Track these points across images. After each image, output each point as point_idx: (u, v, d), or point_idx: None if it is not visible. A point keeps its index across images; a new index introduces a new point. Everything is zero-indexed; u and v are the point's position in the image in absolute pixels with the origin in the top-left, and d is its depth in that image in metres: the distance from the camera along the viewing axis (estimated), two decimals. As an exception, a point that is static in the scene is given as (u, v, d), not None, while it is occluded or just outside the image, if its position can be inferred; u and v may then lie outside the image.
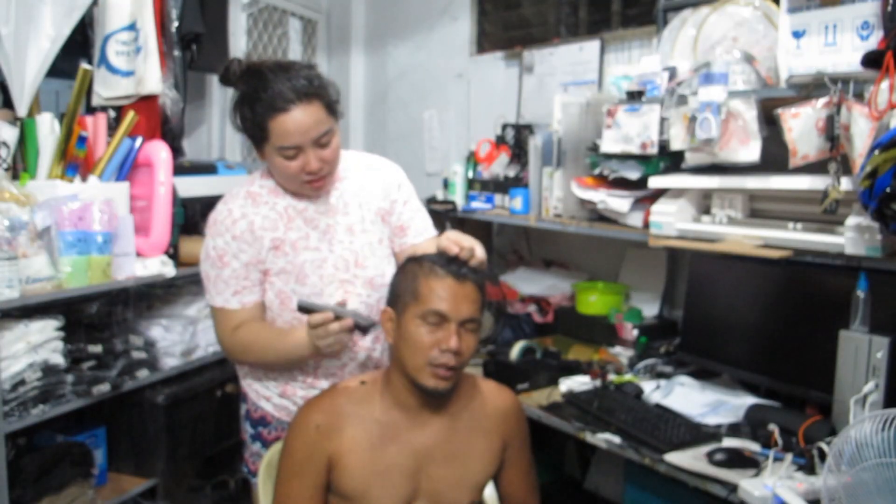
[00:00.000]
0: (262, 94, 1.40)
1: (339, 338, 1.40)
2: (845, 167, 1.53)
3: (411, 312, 1.32)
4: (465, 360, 1.34)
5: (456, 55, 3.24)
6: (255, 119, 1.43)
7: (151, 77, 2.38)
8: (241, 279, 1.51)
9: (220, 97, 3.13)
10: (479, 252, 1.38)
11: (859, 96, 1.50)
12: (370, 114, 3.74)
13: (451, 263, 1.34)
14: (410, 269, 1.37)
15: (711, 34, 1.93)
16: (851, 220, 1.53)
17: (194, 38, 2.64)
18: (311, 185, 1.49)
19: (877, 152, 1.33)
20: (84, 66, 2.10)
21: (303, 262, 1.52)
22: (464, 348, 1.31)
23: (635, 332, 2.29)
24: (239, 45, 3.22)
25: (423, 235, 1.64)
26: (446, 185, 2.86)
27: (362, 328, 1.41)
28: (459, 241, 1.36)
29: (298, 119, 1.40)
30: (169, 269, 2.24)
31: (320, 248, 1.54)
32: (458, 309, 1.31)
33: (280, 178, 1.52)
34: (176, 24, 2.55)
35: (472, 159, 2.80)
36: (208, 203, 1.59)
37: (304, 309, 1.41)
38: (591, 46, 2.66)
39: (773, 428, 1.60)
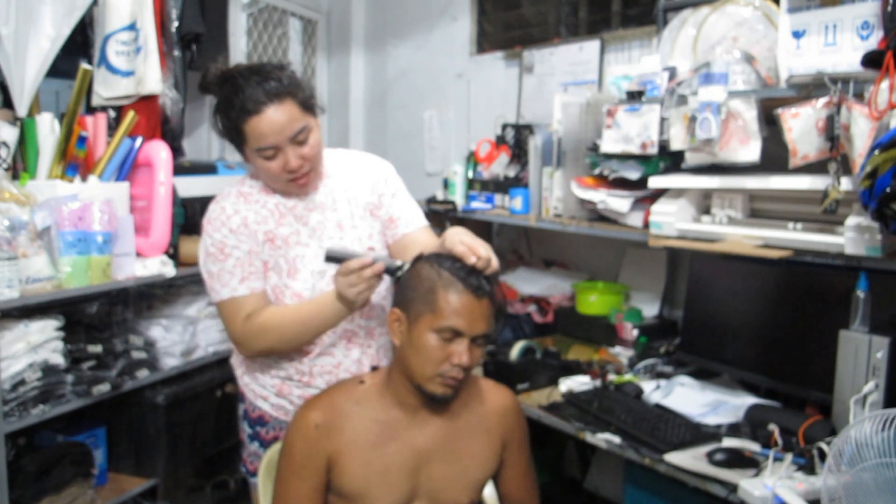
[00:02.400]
0: (234, 99, 1.43)
1: (369, 283, 1.40)
2: (845, 167, 1.53)
3: (426, 323, 1.30)
4: (472, 369, 1.35)
5: (456, 55, 3.24)
6: (230, 124, 1.45)
7: (151, 77, 2.39)
8: (246, 265, 1.52)
9: (220, 97, 3.13)
10: (495, 262, 1.34)
11: (859, 96, 1.49)
12: (370, 114, 3.74)
13: (470, 276, 1.30)
14: (427, 275, 1.32)
15: (711, 34, 1.93)
16: (851, 220, 1.53)
17: (194, 38, 2.64)
18: (295, 182, 1.50)
19: (877, 152, 1.33)
20: (84, 66, 2.10)
21: (294, 258, 1.54)
22: (473, 361, 1.32)
23: (635, 332, 2.29)
24: (239, 45, 3.21)
25: (413, 225, 1.64)
26: (446, 185, 2.85)
27: (391, 271, 1.41)
28: (475, 249, 1.32)
29: (272, 119, 1.41)
30: (169, 269, 2.24)
31: (310, 245, 1.55)
32: (474, 326, 1.29)
33: (265, 179, 1.54)
34: (176, 24, 2.55)
35: (472, 159, 2.80)
36: (208, 203, 1.60)
37: (333, 258, 1.42)
38: (591, 46, 2.66)
39: (773, 428, 1.60)
